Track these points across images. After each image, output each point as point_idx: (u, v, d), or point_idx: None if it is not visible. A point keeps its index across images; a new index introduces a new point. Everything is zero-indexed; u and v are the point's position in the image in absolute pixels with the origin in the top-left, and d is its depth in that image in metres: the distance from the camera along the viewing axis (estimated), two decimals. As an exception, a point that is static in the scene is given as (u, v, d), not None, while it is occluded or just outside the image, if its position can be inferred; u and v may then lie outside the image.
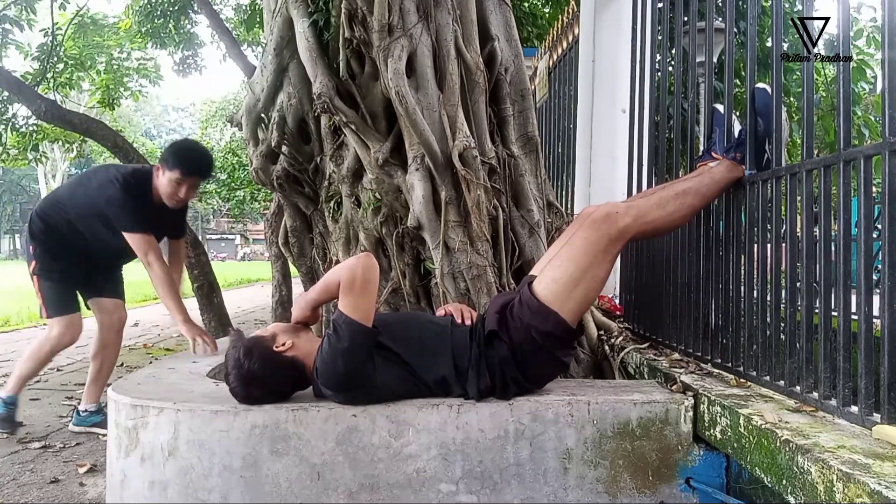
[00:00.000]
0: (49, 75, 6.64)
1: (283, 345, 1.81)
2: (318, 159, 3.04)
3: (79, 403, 3.09)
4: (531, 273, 2.03)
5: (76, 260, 2.90)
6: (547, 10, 7.45)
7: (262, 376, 1.76)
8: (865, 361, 1.40)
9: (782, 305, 1.74)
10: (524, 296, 1.85)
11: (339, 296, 1.76)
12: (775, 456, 1.40)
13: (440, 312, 2.08)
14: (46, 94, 6.23)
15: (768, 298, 1.77)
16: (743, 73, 2.06)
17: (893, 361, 1.33)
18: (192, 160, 2.79)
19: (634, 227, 1.86)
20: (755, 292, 1.84)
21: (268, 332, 1.85)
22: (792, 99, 5.04)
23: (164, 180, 2.75)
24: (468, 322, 1.98)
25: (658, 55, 2.70)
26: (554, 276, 1.83)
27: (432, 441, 1.75)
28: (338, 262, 3.02)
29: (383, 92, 2.60)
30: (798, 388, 1.63)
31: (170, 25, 7.37)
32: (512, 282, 2.64)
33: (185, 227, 3.21)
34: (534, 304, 1.81)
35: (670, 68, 2.87)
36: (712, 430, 1.71)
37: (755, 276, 1.86)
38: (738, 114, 2.17)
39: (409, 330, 1.90)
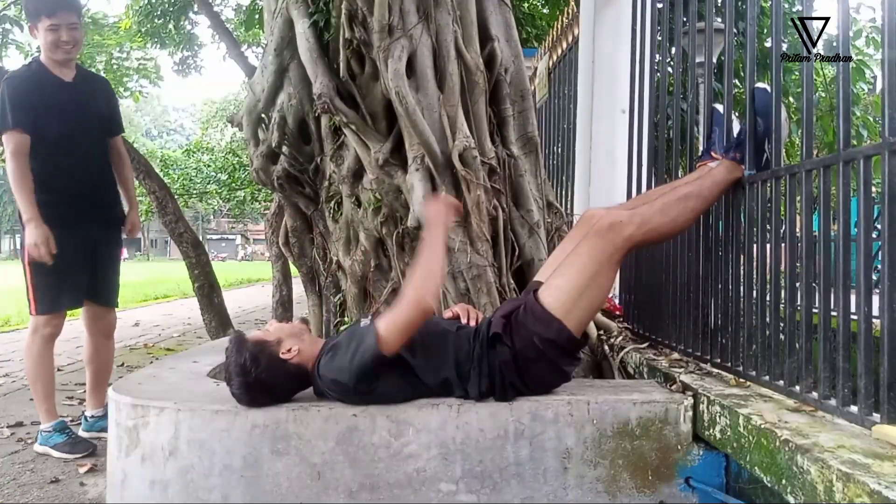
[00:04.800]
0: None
1: (290, 351, 1.78)
2: (319, 159, 3.04)
3: (85, 409, 3.08)
4: (536, 279, 2.03)
5: (72, 216, 2.75)
6: (546, 11, 7.45)
7: (268, 384, 1.75)
8: (865, 361, 1.40)
9: (782, 305, 1.74)
10: (529, 303, 1.86)
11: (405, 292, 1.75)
12: (775, 456, 1.40)
13: (447, 314, 2.08)
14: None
15: (768, 298, 1.77)
16: (742, 74, 2.06)
17: (893, 361, 1.33)
18: None
19: (638, 234, 1.86)
20: (755, 292, 1.85)
21: (272, 337, 1.81)
22: (791, 99, 5.04)
23: (42, 38, 2.63)
24: (473, 323, 1.98)
25: (657, 56, 2.70)
26: (558, 284, 1.83)
27: (432, 440, 1.76)
28: (338, 262, 3.02)
29: (383, 92, 2.61)
30: (797, 387, 1.64)
31: (170, 25, 7.37)
32: (512, 282, 2.64)
33: (118, 122, 3.05)
34: (538, 310, 1.82)
35: (670, 69, 2.88)
36: (712, 430, 1.71)
37: (755, 275, 1.86)
38: (737, 114, 2.17)
39: None
